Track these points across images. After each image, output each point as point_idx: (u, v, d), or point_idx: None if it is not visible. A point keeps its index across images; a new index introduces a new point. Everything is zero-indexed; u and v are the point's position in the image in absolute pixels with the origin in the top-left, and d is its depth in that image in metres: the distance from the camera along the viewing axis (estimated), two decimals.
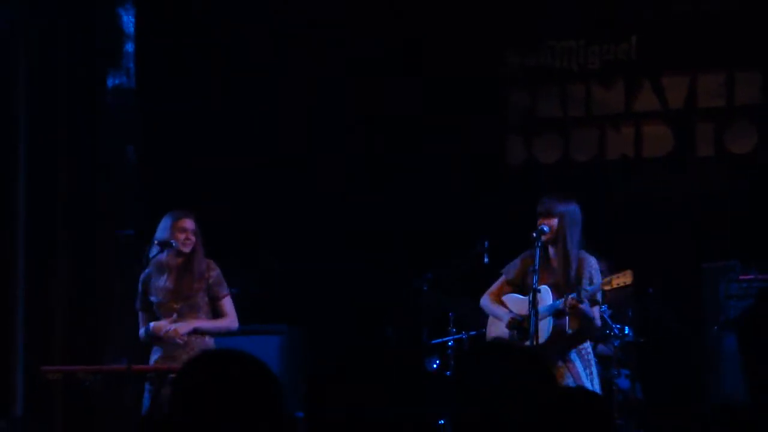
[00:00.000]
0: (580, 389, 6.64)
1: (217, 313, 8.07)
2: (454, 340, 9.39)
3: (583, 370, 7.65)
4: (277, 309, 10.46)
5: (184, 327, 7.90)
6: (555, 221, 7.73)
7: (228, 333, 8.10)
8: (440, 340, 9.45)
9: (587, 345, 7.75)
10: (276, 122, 11.12)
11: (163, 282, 8.01)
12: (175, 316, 7.93)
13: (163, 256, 7.96)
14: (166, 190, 10.33)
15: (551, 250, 7.76)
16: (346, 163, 11.07)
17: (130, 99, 10.42)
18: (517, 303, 7.79)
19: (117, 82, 10.35)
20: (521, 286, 7.79)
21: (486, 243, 9.04)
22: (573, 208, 7.78)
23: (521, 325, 7.72)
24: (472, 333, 9.34)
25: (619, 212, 10.41)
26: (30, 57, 10.11)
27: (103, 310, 10.05)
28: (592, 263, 7.70)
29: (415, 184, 10.85)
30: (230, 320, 8.11)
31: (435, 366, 9.43)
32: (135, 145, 10.47)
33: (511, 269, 7.85)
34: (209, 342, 8.03)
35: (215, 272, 8.11)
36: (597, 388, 7.69)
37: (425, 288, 9.32)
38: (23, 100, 10.11)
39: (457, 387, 3.19)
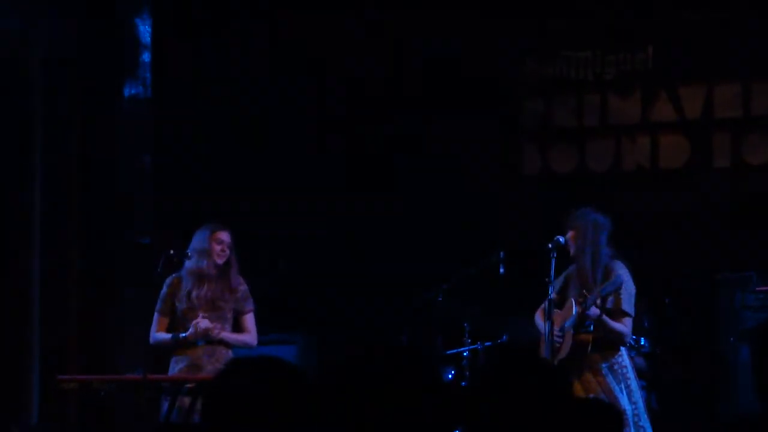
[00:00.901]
0: (596, 401, 6.61)
1: (238, 327, 8.16)
2: (469, 350, 9.38)
3: (615, 385, 7.62)
4: (291, 318, 10.47)
5: (218, 329, 7.98)
6: (571, 234, 7.74)
7: (246, 347, 8.17)
8: (455, 350, 9.44)
9: (620, 359, 7.67)
10: (289, 127, 11.13)
11: (196, 290, 8.06)
12: (201, 315, 8.00)
13: (202, 264, 8.02)
14: (182, 199, 10.35)
15: (577, 262, 7.77)
16: (359, 167, 11.07)
17: (146, 108, 10.44)
18: (558, 318, 7.80)
19: (133, 91, 10.37)
20: (563, 302, 7.79)
21: (501, 253, 9.02)
22: (592, 219, 7.76)
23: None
24: (488, 344, 9.33)
25: (635, 223, 10.38)
26: (46, 66, 10.13)
27: (118, 320, 10.06)
28: (619, 271, 7.66)
29: (430, 193, 10.84)
30: (252, 336, 8.25)
31: (450, 377, 9.41)
32: (150, 154, 10.49)
33: (556, 285, 7.83)
34: (231, 354, 8.09)
35: (244, 287, 8.24)
36: (630, 402, 7.60)
37: (440, 298, 9.30)
38: (40, 108, 10.13)
39: (471, 398, 3.18)
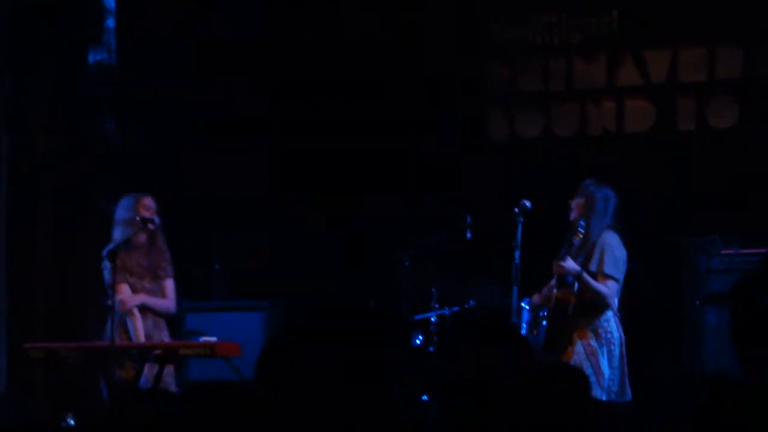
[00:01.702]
0: (561, 364, 6.66)
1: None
2: (437, 315, 9.40)
3: (599, 347, 7.67)
4: (259, 284, 10.47)
5: (133, 300, 8.00)
6: (579, 202, 7.80)
7: (167, 313, 8.16)
8: (423, 315, 9.46)
9: (606, 324, 7.71)
10: (257, 96, 11.08)
11: (135, 260, 8.04)
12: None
13: (131, 233, 7.96)
14: (147, 166, 10.31)
15: (571, 229, 7.82)
16: (326, 134, 11.04)
17: (111, 75, 10.38)
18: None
19: (98, 57, 10.31)
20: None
21: (468, 218, 9.05)
22: (603, 194, 7.82)
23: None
24: (455, 309, 9.35)
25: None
26: (10, 33, 10.05)
27: (84, 288, 10.02)
28: (607, 240, 7.70)
29: (397, 158, 10.84)
30: (172, 302, 8.22)
31: (418, 342, 9.44)
32: (115, 120, 10.43)
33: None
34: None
35: (168, 253, 8.24)
36: (610, 367, 7.65)
37: (407, 263, 9.32)
38: (4, 76, 10.06)
39: (440, 363, 3.21)
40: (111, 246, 7.98)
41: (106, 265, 7.97)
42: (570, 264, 7.69)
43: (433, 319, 9.39)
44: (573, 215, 7.86)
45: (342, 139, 10.93)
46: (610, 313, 7.74)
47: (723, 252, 9.25)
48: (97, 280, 8.20)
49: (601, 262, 7.70)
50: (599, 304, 7.72)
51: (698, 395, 2.75)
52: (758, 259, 8.79)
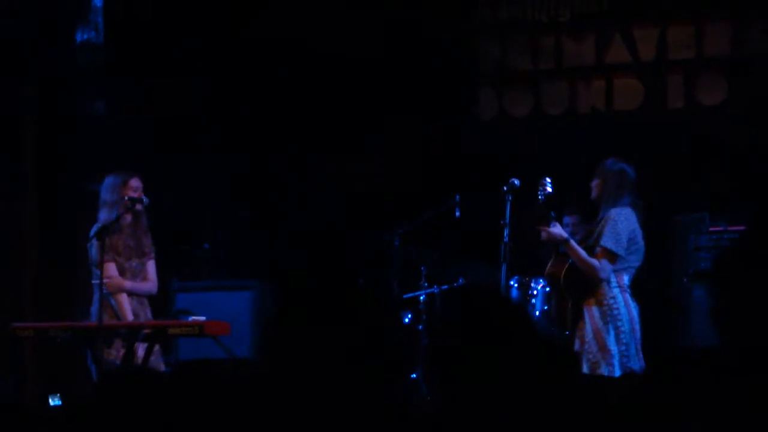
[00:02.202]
0: (548, 337, 6.65)
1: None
2: (426, 294, 9.41)
3: (603, 324, 7.62)
4: (247, 263, 10.47)
5: (121, 286, 8.03)
6: (597, 182, 7.79)
7: (149, 296, 8.17)
8: (412, 294, 9.47)
9: (612, 301, 7.63)
10: (247, 75, 11.06)
11: (122, 241, 8.04)
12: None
13: (120, 214, 7.95)
14: (135, 144, 10.29)
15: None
16: (316, 115, 11.03)
17: (99, 53, 10.34)
18: None
19: (85, 36, 10.27)
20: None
21: (457, 197, 9.04)
22: (618, 170, 7.78)
23: None
24: (444, 287, 9.36)
25: (590, 166, 10.41)
26: None
27: (73, 267, 10.01)
28: (613, 215, 7.68)
29: (386, 137, 10.83)
30: (154, 284, 8.25)
31: (407, 320, 9.45)
32: (104, 99, 10.40)
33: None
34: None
35: (149, 232, 8.26)
36: (618, 344, 7.61)
37: (396, 242, 9.32)
38: None
39: (431, 339, 3.20)
40: (98, 225, 7.97)
41: (94, 243, 7.95)
42: (556, 229, 7.67)
43: (422, 298, 9.41)
44: (593, 195, 7.85)
45: (329, 117, 10.93)
46: (616, 290, 7.65)
47: (711, 229, 9.27)
48: (88, 259, 8.17)
49: (600, 234, 7.64)
50: (592, 275, 7.64)
51: (688, 370, 2.75)
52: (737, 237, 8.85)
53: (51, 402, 8.06)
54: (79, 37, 10.26)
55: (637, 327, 7.64)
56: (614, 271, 7.65)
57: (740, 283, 2.94)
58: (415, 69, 10.89)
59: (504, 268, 8.14)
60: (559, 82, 11.03)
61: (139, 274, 8.12)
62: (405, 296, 9.45)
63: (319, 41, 10.93)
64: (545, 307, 9.23)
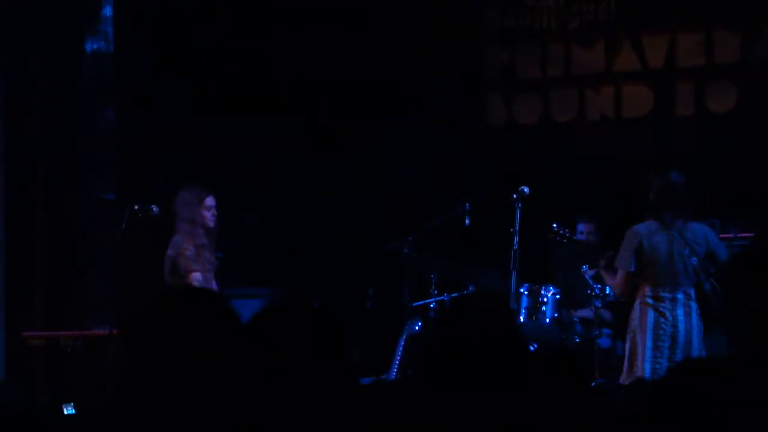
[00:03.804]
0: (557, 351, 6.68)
1: None
2: (435, 301, 9.40)
3: (628, 334, 7.87)
4: (258, 272, 10.47)
5: None
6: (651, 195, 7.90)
7: None
8: (422, 302, 9.46)
9: (632, 313, 7.84)
10: (254, 84, 11.08)
11: (200, 254, 8.10)
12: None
13: (198, 232, 8.09)
14: (146, 154, 10.31)
15: None
16: (324, 122, 11.04)
17: (109, 63, 10.37)
18: None
19: (95, 46, 10.29)
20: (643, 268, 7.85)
21: (467, 204, 9.05)
22: (662, 181, 7.83)
23: None
24: (454, 294, 9.36)
25: (599, 172, 10.42)
26: (6, 22, 10.03)
27: (83, 276, 10.03)
28: (626, 234, 7.78)
29: (396, 145, 10.83)
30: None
31: (417, 328, 9.44)
32: (113, 109, 10.42)
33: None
34: None
35: None
36: (629, 350, 7.76)
37: (406, 250, 9.31)
38: (1, 65, 10.05)
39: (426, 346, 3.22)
40: (179, 237, 8.03)
41: (181, 254, 7.99)
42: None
43: (431, 305, 9.40)
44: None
45: (337, 124, 10.94)
46: (636, 302, 7.80)
47: (722, 236, 9.25)
48: (98, 268, 8.18)
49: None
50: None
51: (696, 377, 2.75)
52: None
53: (65, 410, 8.08)
54: (89, 46, 10.29)
55: (649, 335, 7.69)
56: (637, 284, 7.80)
57: (751, 288, 2.95)
58: (425, 75, 10.90)
59: (514, 275, 8.16)
60: (568, 90, 11.02)
61: (211, 285, 8.16)
62: (414, 304, 9.44)
63: (326, 49, 10.94)
64: (555, 315, 9.25)
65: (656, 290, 7.73)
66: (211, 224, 8.17)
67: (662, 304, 7.72)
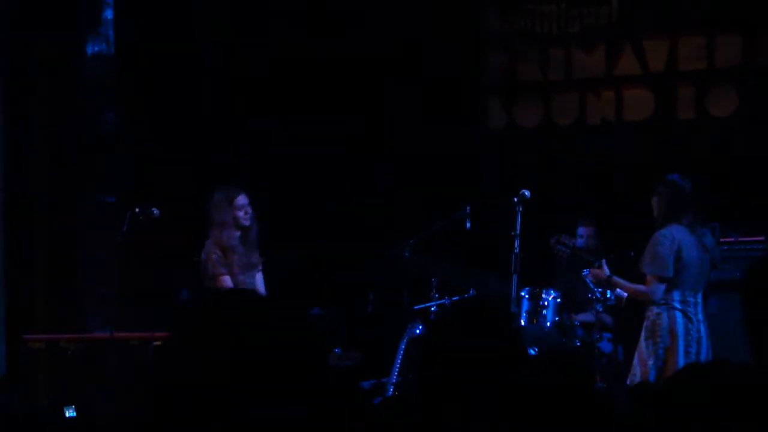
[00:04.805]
0: (559, 354, 6.67)
1: None
2: (436, 305, 9.39)
3: (643, 340, 7.82)
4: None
5: None
6: (655, 200, 7.84)
7: None
8: (423, 305, 9.45)
9: (654, 316, 7.82)
10: (255, 87, 11.08)
11: (232, 258, 8.07)
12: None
13: (232, 234, 8.07)
14: (147, 157, 10.31)
15: None
16: (325, 127, 11.03)
17: (110, 66, 10.36)
18: None
19: (96, 49, 10.29)
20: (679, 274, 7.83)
21: (468, 208, 9.04)
22: (671, 188, 7.80)
23: None
24: (455, 298, 9.35)
25: (600, 176, 10.42)
26: (8, 24, 10.03)
27: (84, 279, 10.02)
28: (653, 238, 7.77)
29: (396, 148, 10.83)
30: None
31: (418, 332, 9.43)
32: (114, 112, 10.42)
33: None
34: None
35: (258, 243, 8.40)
36: (653, 356, 7.72)
37: (407, 253, 9.31)
38: (2, 67, 10.05)
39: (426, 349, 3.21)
40: (209, 241, 8.03)
41: (209, 258, 7.98)
42: (597, 271, 7.87)
43: (432, 309, 9.39)
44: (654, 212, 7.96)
45: (337, 128, 10.94)
46: (662, 308, 7.79)
47: (722, 240, 9.25)
48: (99, 270, 8.18)
49: (641, 261, 7.81)
50: (645, 300, 7.86)
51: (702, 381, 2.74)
52: (763, 246, 8.84)
53: (66, 413, 8.07)
54: (90, 49, 10.28)
55: (681, 342, 7.71)
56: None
57: None
58: (425, 79, 10.90)
59: (515, 279, 8.16)
60: (569, 93, 11.03)
61: (249, 287, 8.13)
62: (415, 308, 9.43)
63: (327, 52, 10.95)
64: (556, 318, 9.24)
65: (685, 294, 7.78)
66: (246, 223, 8.13)
67: (689, 308, 7.77)
